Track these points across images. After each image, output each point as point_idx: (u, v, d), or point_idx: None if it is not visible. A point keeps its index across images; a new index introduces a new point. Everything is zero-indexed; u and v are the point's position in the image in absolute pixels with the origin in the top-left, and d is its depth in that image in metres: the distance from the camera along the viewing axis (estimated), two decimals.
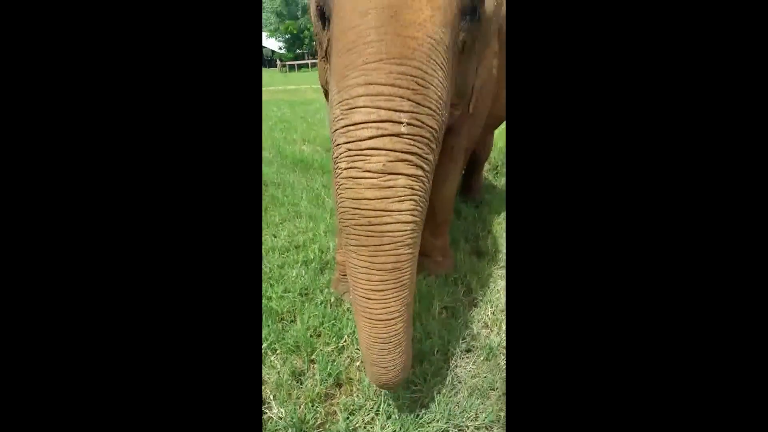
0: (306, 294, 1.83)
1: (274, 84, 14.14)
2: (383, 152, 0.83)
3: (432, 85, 0.85)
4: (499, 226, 2.58)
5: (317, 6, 0.99)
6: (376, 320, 0.95)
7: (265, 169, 3.63)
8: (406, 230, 0.89)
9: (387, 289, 0.92)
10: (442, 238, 2.02)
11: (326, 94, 1.24)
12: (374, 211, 0.86)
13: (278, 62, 28.76)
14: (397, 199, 0.86)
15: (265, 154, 4.25)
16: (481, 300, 1.85)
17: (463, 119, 1.60)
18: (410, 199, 0.88)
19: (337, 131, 0.88)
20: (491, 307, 1.79)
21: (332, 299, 1.78)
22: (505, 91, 1.26)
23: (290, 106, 7.97)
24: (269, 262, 2.07)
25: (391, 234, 0.88)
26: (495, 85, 1.57)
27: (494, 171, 3.81)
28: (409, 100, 0.83)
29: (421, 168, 0.88)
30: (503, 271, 2.07)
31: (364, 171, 0.85)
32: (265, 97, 9.85)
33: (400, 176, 0.85)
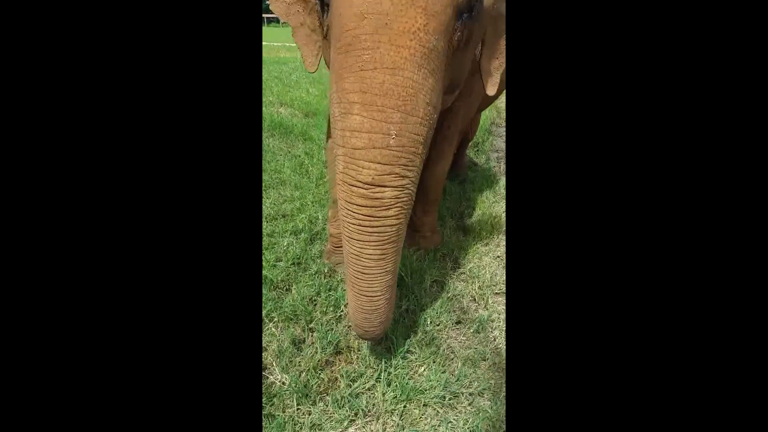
0: (299, 264, 1.83)
1: None
2: (372, 165, 0.91)
3: (422, 92, 0.90)
4: (483, 203, 2.66)
5: None
6: (362, 295, 1.10)
7: None
8: (391, 231, 1.01)
9: (373, 274, 1.06)
10: (432, 215, 2.06)
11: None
12: (363, 216, 0.98)
13: None
14: (383, 207, 0.97)
15: None
16: (468, 275, 1.93)
17: (460, 101, 1.61)
18: (396, 207, 0.98)
19: (337, 130, 0.96)
20: (478, 281, 1.88)
21: (326, 270, 1.79)
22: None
23: (263, 65, 7.53)
24: None
25: (377, 234, 1.00)
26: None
27: (475, 148, 3.87)
28: (398, 111, 0.88)
29: (407, 177, 0.97)
30: (488, 248, 2.16)
31: (356, 180, 0.94)
32: None
33: (387, 188, 0.94)
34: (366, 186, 0.94)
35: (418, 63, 0.86)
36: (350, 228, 1.02)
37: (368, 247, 1.02)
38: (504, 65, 1.27)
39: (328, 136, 1.69)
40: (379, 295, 1.11)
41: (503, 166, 3.50)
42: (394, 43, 0.84)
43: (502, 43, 1.23)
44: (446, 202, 2.65)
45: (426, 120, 0.94)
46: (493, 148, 4.00)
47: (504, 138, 4.21)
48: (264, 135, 3.52)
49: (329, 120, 1.72)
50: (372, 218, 0.98)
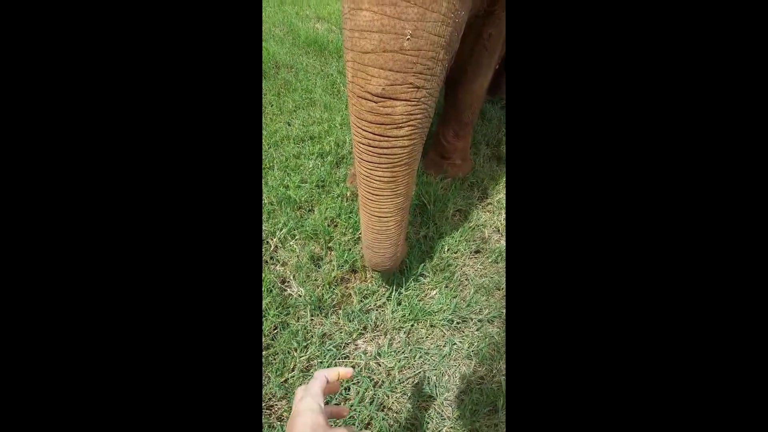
0: (322, 186, 1.84)
1: None
2: (383, 72, 0.81)
3: None
4: None
5: None
6: (372, 215, 1.07)
7: (276, 48, 3.34)
8: (403, 153, 0.93)
9: (383, 196, 1.02)
10: (464, 141, 1.94)
11: None
12: (372, 134, 0.89)
13: None
14: (394, 125, 0.87)
15: (276, 31, 3.86)
16: (495, 206, 1.86)
17: (505, 3, 1.39)
18: (408, 125, 0.88)
19: (345, 31, 0.85)
20: (504, 213, 1.81)
21: (348, 193, 1.80)
22: None
23: None
24: (285, 151, 2.04)
25: (387, 155, 0.93)
26: None
27: None
28: (415, 5, 0.74)
29: (424, 88, 0.85)
30: None
31: (365, 91, 0.84)
32: None
33: (398, 102, 0.84)
34: (375, 98, 0.84)
35: None
36: (360, 147, 0.95)
37: (378, 169, 0.96)
38: None
39: None
40: (390, 217, 1.07)
41: None
42: None
43: None
44: (483, 128, 2.49)
45: (450, 17, 0.80)
46: None
47: None
48: (299, 52, 3.38)
49: None
50: (382, 137, 0.90)
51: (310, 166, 1.94)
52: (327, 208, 1.68)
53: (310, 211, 1.71)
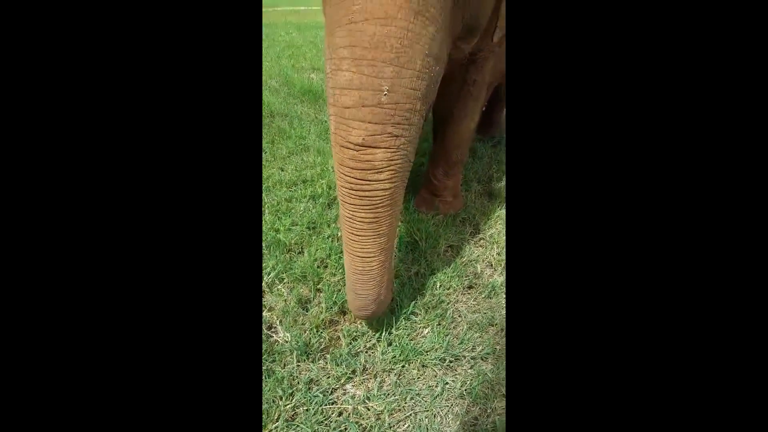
0: (313, 228, 1.85)
1: (281, 4, 13.18)
2: (363, 125, 0.86)
3: (419, 42, 0.82)
4: None
5: None
6: (355, 256, 1.08)
7: (271, 99, 3.50)
8: (384, 195, 0.97)
9: (365, 236, 1.04)
10: (454, 179, 1.97)
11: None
12: (354, 179, 0.94)
13: None
14: (375, 171, 0.92)
15: (272, 82, 4.07)
16: (488, 240, 1.85)
17: (487, 52, 1.48)
18: (389, 170, 0.93)
19: (327, 89, 0.91)
20: (497, 247, 1.80)
21: (339, 233, 1.80)
22: None
23: (298, 30, 7.47)
24: (277, 196, 2.08)
25: (369, 197, 0.96)
26: None
27: None
28: (391, 65, 0.81)
29: (402, 137, 0.90)
30: None
31: (346, 141, 0.89)
32: (271, 19, 9.23)
33: (378, 150, 0.89)
34: (356, 147, 0.89)
35: (414, 10, 0.79)
36: (342, 191, 0.99)
37: (360, 210, 0.99)
38: None
39: None
40: (373, 257, 1.08)
41: None
42: None
43: None
44: (473, 165, 2.53)
45: (424, 72, 0.87)
46: None
47: None
48: (294, 101, 3.54)
49: None
50: (363, 182, 0.94)
51: (302, 208, 1.97)
52: (317, 249, 1.68)
53: (299, 253, 1.71)
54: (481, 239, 1.87)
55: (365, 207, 0.98)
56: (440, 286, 1.55)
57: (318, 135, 2.85)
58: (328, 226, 1.86)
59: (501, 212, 2.04)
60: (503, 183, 2.35)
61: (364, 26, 0.80)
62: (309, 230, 1.83)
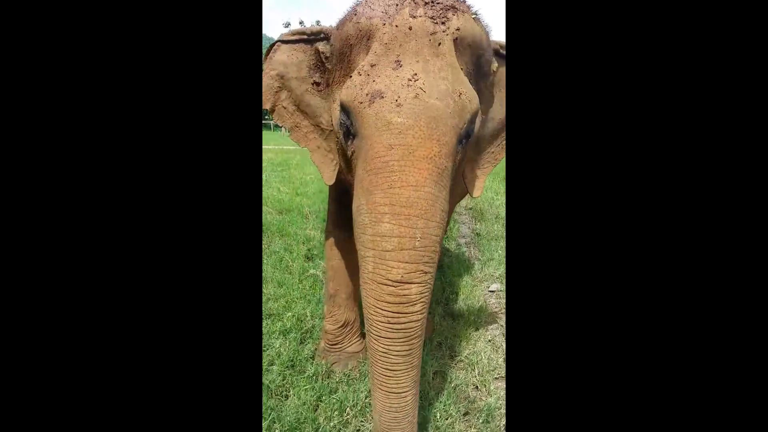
0: (293, 366, 1.74)
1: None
2: (401, 264, 1.05)
3: (438, 202, 1.10)
4: (464, 287, 2.75)
5: (342, 124, 1.22)
6: (390, 393, 1.13)
7: None
8: (416, 326, 1.11)
9: (401, 370, 1.12)
10: None
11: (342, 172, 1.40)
12: (392, 313, 1.07)
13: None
14: (410, 303, 1.07)
15: None
16: (466, 362, 1.92)
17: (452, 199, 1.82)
18: (420, 302, 1.09)
19: (366, 236, 1.10)
20: (477, 368, 1.86)
21: (322, 371, 1.71)
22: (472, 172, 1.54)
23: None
24: None
25: (404, 329, 1.09)
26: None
27: (444, 237, 4.08)
28: (422, 218, 1.07)
29: (429, 273, 1.11)
30: (478, 332, 2.18)
31: (386, 279, 1.06)
32: None
33: (413, 284, 1.07)
34: (395, 284, 1.04)
35: (435, 180, 1.07)
36: (378, 326, 1.08)
37: (396, 343, 1.08)
38: (486, 172, 1.52)
39: (327, 231, 1.78)
40: (407, 391, 1.13)
41: (473, 251, 3.69)
42: (417, 166, 1.05)
43: (484, 156, 1.53)
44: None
45: (441, 223, 1.11)
46: (460, 234, 4.24)
47: (468, 225, 4.51)
48: None
49: (328, 214, 1.82)
50: (400, 314, 1.06)
51: (277, 345, 1.85)
52: (304, 391, 1.56)
53: (285, 396, 1.56)
54: (459, 361, 1.92)
55: (401, 340, 1.07)
56: (440, 416, 1.52)
57: (273, 266, 2.83)
58: (309, 362, 1.77)
59: (468, 332, 2.17)
60: (459, 303, 2.53)
61: (401, 191, 1.05)
62: (290, 369, 1.71)
